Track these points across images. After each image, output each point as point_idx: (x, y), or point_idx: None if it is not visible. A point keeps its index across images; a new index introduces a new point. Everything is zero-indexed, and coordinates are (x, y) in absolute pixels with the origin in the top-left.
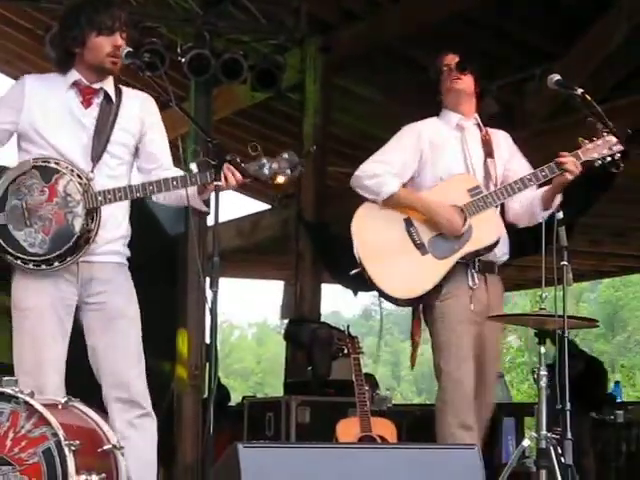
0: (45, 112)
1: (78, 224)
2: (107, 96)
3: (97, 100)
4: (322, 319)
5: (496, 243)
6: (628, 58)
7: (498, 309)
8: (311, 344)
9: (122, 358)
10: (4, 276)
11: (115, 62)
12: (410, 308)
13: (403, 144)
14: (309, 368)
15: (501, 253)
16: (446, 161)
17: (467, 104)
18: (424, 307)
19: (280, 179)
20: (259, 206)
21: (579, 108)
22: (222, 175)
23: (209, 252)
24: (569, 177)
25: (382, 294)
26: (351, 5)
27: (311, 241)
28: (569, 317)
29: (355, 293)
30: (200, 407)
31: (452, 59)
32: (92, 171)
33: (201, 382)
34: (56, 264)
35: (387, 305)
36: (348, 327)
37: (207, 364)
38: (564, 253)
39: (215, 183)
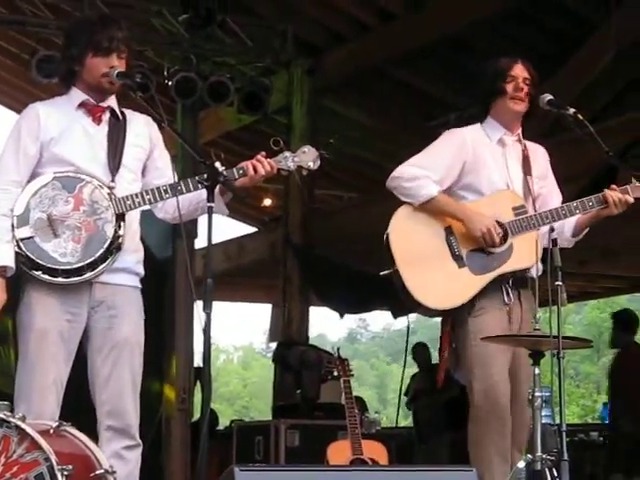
0: (61, 133)
1: (109, 229)
2: (114, 113)
3: (105, 117)
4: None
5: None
6: (616, 79)
7: (530, 325)
8: (300, 367)
9: (120, 388)
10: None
11: (112, 82)
12: (390, 332)
13: (447, 152)
14: (298, 391)
15: (535, 270)
16: (488, 174)
17: (516, 122)
18: (453, 321)
19: (304, 172)
20: (245, 229)
21: (570, 127)
22: (248, 167)
23: (197, 275)
24: (614, 211)
25: (411, 301)
26: (338, 27)
27: (298, 263)
28: (564, 338)
29: (341, 315)
30: (188, 431)
31: (521, 71)
32: (112, 181)
33: (189, 406)
34: (88, 273)
35: (373, 327)
36: (338, 350)
37: (195, 388)
38: (558, 273)
39: (208, 204)
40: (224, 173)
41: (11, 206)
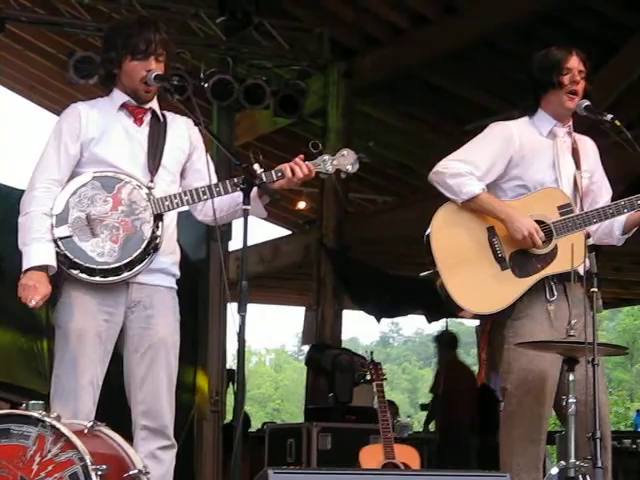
0: (102, 134)
1: (147, 230)
2: (155, 115)
3: (147, 119)
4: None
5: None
6: None
7: (580, 322)
8: (333, 370)
9: (156, 388)
10: None
11: (148, 90)
12: (427, 336)
13: (492, 145)
14: (330, 394)
15: (582, 267)
16: (535, 170)
17: (568, 115)
18: (492, 323)
19: (342, 175)
20: (280, 232)
21: (608, 134)
22: (287, 170)
23: (231, 277)
24: None
25: (453, 304)
26: (374, 31)
27: (332, 267)
28: (599, 344)
29: (378, 320)
30: (220, 433)
31: (577, 63)
32: (151, 181)
33: (222, 408)
34: (125, 273)
35: (405, 331)
36: (372, 354)
37: (227, 390)
38: (594, 280)
39: (244, 207)
40: (262, 176)
41: (52, 205)
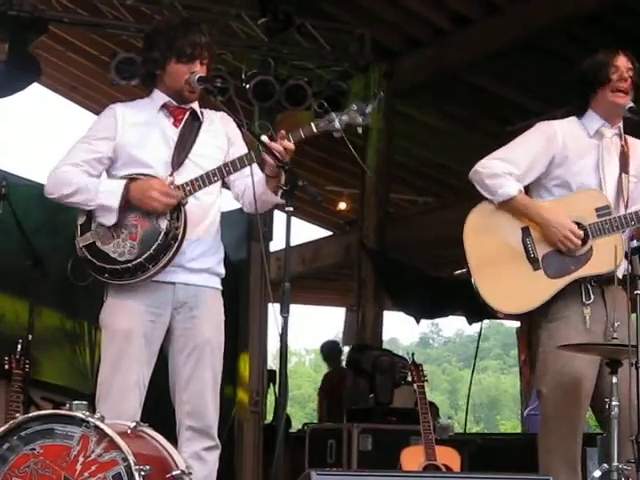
0: (139, 136)
1: (163, 222)
2: (193, 114)
3: (185, 119)
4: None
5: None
6: None
7: (623, 325)
8: (373, 371)
9: (201, 388)
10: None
11: (192, 91)
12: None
13: (534, 144)
14: (371, 395)
15: (621, 270)
16: (578, 170)
17: (617, 115)
18: (530, 325)
19: (359, 129)
20: (321, 233)
21: None
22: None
23: (272, 277)
24: None
25: (485, 304)
26: (415, 32)
27: (373, 268)
28: None
29: (417, 321)
30: (261, 434)
31: (624, 62)
32: (171, 174)
33: (262, 408)
34: (150, 268)
35: (445, 332)
36: (413, 355)
37: (268, 390)
38: (638, 282)
39: (287, 209)
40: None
41: (79, 177)
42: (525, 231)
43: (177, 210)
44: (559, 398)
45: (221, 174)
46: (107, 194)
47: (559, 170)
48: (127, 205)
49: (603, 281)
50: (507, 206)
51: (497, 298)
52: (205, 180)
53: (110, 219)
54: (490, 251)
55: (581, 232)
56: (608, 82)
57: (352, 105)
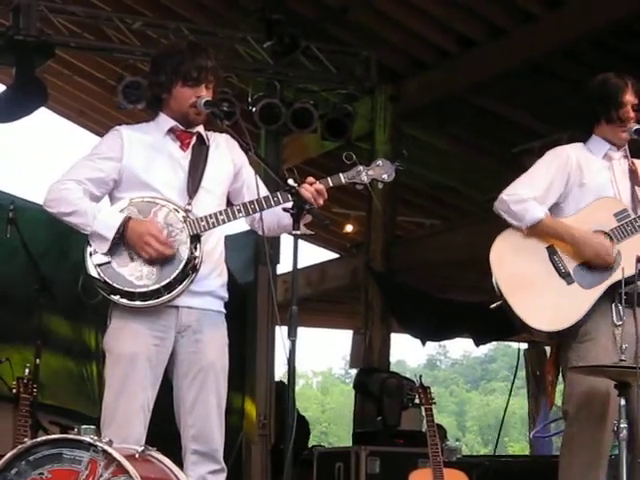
0: (146, 159)
1: (184, 251)
2: (200, 138)
3: (192, 143)
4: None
5: None
6: None
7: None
8: (381, 394)
9: (206, 412)
10: None
11: (198, 113)
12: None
13: (549, 165)
14: (379, 418)
15: None
16: (594, 186)
17: (623, 141)
18: (559, 346)
19: (380, 185)
20: (327, 255)
21: None
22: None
23: (279, 300)
24: None
25: (526, 327)
26: (421, 54)
27: (380, 290)
28: None
29: (423, 343)
30: (269, 456)
31: (632, 97)
32: (189, 204)
33: (269, 431)
34: (165, 295)
35: (452, 354)
36: (420, 377)
37: (275, 413)
38: None
39: (294, 232)
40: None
41: (80, 199)
42: (550, 249)
43: (197, 240)
44: (584, 420)
45: (246, 211)
46: (103, 224)
47: (575, 189)
48: (122, 239)
49: (635, 301)
50: (535, 230)
51: (537, 318)
52: (230, 215)
53: (103, 248)
54: (520, 274)
55: (610, 243)
56: (613, 120)
57: (379, 161)
